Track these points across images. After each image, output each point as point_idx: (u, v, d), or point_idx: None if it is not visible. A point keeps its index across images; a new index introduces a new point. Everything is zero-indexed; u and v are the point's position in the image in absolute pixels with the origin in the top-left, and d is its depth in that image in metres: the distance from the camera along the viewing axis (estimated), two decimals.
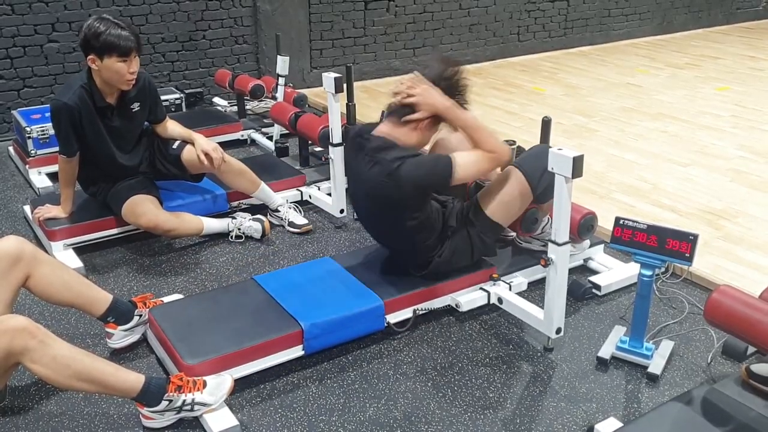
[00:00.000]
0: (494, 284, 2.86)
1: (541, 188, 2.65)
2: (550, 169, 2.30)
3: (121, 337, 2.61)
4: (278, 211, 3.65)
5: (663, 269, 3.07)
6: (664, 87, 6.12)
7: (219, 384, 2.27)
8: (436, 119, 2.64)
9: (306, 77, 6.11)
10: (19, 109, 4.69)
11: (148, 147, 3.47)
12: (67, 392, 2.40)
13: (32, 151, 4.23)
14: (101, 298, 2.56)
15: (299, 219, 3.63)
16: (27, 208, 3.69)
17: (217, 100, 5.67)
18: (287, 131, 4.51)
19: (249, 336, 2.46)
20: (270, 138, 4.73)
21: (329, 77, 3.43)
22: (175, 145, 3.46)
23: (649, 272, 2.40)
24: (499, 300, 2.80)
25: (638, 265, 2.42)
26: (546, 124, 2.92)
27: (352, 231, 3.60)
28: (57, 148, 3.24)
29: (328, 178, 3.78)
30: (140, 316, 2.64)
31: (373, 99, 5.83)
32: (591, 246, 3.13)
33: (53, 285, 2.45)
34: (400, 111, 2.62)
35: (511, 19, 7.13)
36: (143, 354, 2.64)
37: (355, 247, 3.35)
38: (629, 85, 6.22)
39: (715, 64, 6.92)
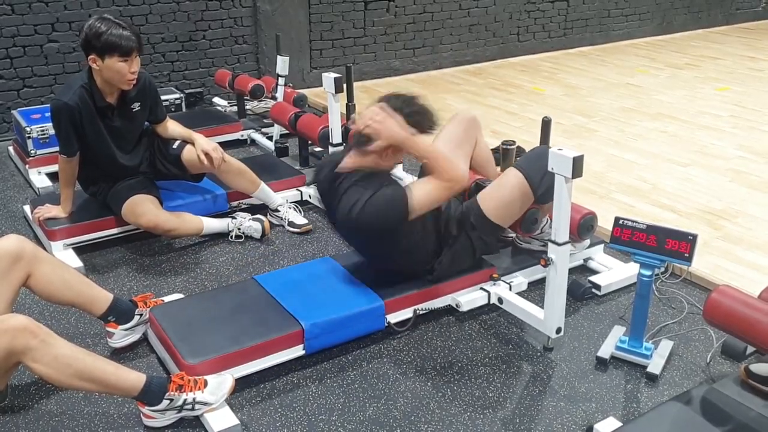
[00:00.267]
0: (494, 284, 2.87)
1: (542, 189, 2.66)
2: (550, 169, 2.30)
3: (121, 336, 2.61)
4: (278, 211, 3.65)
5: (662, 269, 3.07)
6: (664, 87, 6.13)
7: (220, 383, 2.27)
8: (398, 147, 2.60)
9: (306, 77, 6.11)
10: (19, 109, 4.69)
11: (149, 147, 3.48)
12: (67, 392, 2.41)
13: (32, 151, 4.23)
14: (102, 297, 2.56)
15: (299, 219, 3.64)
16: (27, 208, 3.69)
17: (217, 100, 5.67)
18: (287, 131, 4.51)
19: (249, 335, 2.46)
20: (270, 138, 4.73)
21: (329, 77, 3.44)
22: (176, 145, 3.46)
23: (648, 272, 2.40)
24: (499, 300, 2.81)
25: (638, 265, 2.43)
26: (546, 124, 2.93)
27: None
28: (57, 148, 3.24)
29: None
30: (141, 315, 2.64)
31: (373, 99, 5.82)
32: (591, 246, 3.13)
33: (54, 284, 2.45)
34: (361, 141, 2.59)
35: (511, 20, 7.13)
36: (144, 353, 2.64)
37: None
38: (629, 85, 6.23)
39: (715, 65, 6.93)
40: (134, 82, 3.13)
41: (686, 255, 2.31)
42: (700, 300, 2.89)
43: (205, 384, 2.25)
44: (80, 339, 2.70)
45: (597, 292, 2.96)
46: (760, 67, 6.83)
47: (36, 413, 2.33)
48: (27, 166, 4.25)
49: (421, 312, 2.76)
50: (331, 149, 3.54)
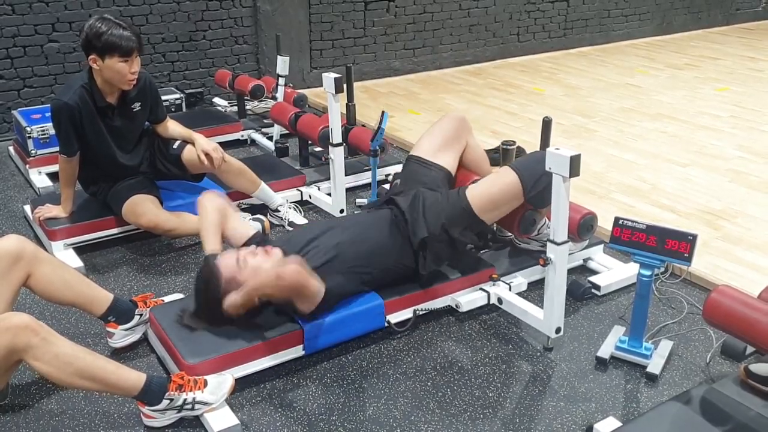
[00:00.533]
0: (494, 284, 2.87)
1: (534, 192, 2.64)
2: (547, 168, 2.30)
3: (121, 336, 2.62)
4: (278, 211, 3.65)
5: (662, 269, 3.08)
6: (664, 87, 6.13)
7: (220, 383, 2.27)
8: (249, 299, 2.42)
9: (306, 77, 6.12)
10: (19, 109, 4.69)
11: (149, 147, 3.48)
12: (67, 391, 2.41)
13: (32, 151, 4.24)
14: (102, 297, 2.56)
15: (299, 219, 3.64)
16: (27, 208, 3.69)
17: (217, 100, 5.68)
18: (287, 131, 4.51)
19: (249, 335, 2.46)
20: (270, 138, 4.74)
21: (329, 77, 3.44)
22: (176, 145, 3.46)
23: (648, 272, 2.41)
24: (499, 300, 2.81)
25: (637, 265, 2.43)
26: (546, 124, 2.93)
27: None
28: (57, 148, 3.24)
29: (328, 178, 3.78)
30: (141, 315, 2.64)
31: (372, 99, 5.84)
32: (590, 246, 3.13)
33: (54, 284, 2.45)
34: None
35: (511, 20, 7.14)
36: (144, 353, 2.64)
37: None
38: (629, 85, 6.23)
39: (715, 65, 6.93)
40: (135, 82, 3.13)
41: (686, 255, 2.31)
42: (700, 300, 2.89)
43: (205, 384, 2.26)
44: (80, 339, 2.70)
45: (597, 292, 2.96)
46: (760, 67, 6.83)
47: (36, 412, 2.33)
48: (27, 166, 4.25)
49: (420, 312, 2.76)
50: (331, 149, 3.55)
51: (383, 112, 3.60)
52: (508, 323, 2.81)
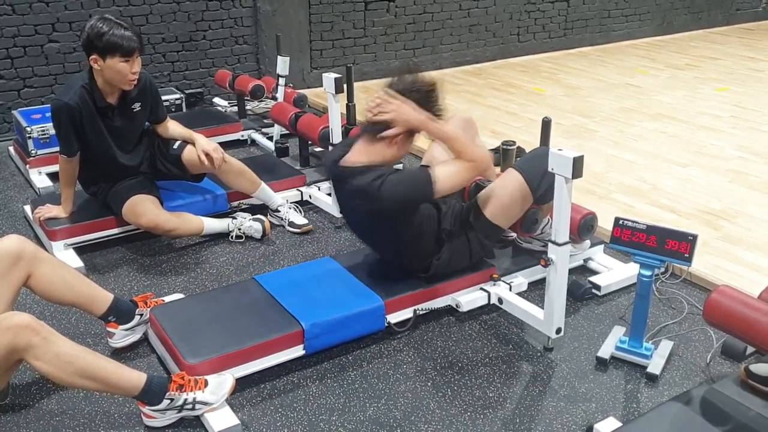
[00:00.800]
0: (494, 284, 2.87)
1: (542, 190, 2.66)
2: (550, 169, 2.31)
3: (122, 336, 2.62)
4: (278, 211, 3.65)
5: (662, 269, 3.08)
6: (664, 88, 6.13)
7: (220, 383, 2.27)
8: (411, 132, 2.61)
9: (306, 78, 6.11)
10: (19, 109, 4.69)
11: (149, 147, 3.48)
12: (68, 391, 2.41)
13: (33, 151, 4.24)
14: (102, 297, 2.56)
15: (299, 219, 3.64)
16: (27, 208, 3.69)
17: (217, 100, 5.67)
18: (287, 131, 4.52)
19: (250, 335, 2.46)
20: (270, 138, 4.74)
21: (329, 78, 3.44)
22: (176, 145, 3.46)
23: (648, 272, 2.41)
24: (500, 300, 2.81)
25: (638, 266, 2.43)
26: (546, 124, 2.93)
27: (352, 231, 3.61)
28: (57, 148, 3.24)
29: (328, 179, 3.78)
30: (141, 315, 2.64)
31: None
32: (591, 246, 3.13)
33: (54, 284, 2.45)
34: (373, 128, 2.58)
35: (511, 20, 7.14)
36: (144, 353, 2.65)
37: (355, 247, 3.36)
38: (629, 85, 6.23)
39: (715, 65, 6.93)
40: (135, 82, 3.13)
41: (686, 255, 2.31)
42: (700, 300, 2.89)
43: (206, 384, 2.26)
44: (81, 339, 2.70)
45: (597, 293, 2.96)
46: (760, 67, 6.83)
47: (37, 412, 2.33)
48: (27, 166, 4.25)
49: (421, 312, 2.76)
50: (331, 149, 3.55)
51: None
52: (508, 323, 2.81)
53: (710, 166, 4.31)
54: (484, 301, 2.85)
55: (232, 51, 5.76)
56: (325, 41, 6.16)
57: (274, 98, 4.85)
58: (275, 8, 5.79)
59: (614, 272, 3.06)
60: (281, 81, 4.81)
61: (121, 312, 2.59)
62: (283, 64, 4.73)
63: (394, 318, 2.70)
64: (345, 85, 3.64)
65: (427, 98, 2.59)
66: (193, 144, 3.44)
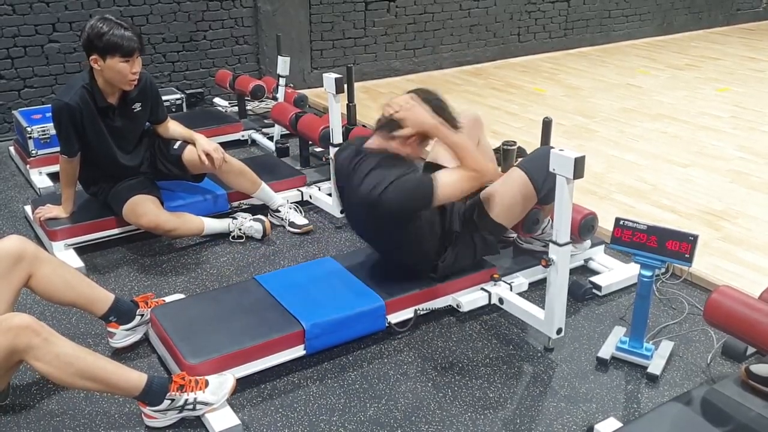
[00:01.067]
0: (495, 285, 2.87)
1: (546, 190, 2.66)
2: (551, 170, 2.31)
3: (122, 336, 2.62)
4: (279, 212, 3.65)
5: (663, 270, 3.08)
6: (665, 88, 6.13)
7: (221, 383, 2.27)
8: (424, 136, 2.65)
9: (306, 78, 6.12)
10: (19, 109, 4.69)
11: (149, 147, 3.48)
12: (68, 391, 2.41)
13: (33, 151, 4.24)
14: (103, 297, 2.56)
15: (300, 219, 3.64)
16: (28, 208, 3.69)
17: (217, 100, 5.68)
18: (288, 132, 4.52)
19: (250, 336, 2.47)
20: (270, 138, 4.74)
21: (330, 78, 3.44)
22: (176, 145, 3.46)
23: (649, 273, 2.41)
24: (500, 300, 2.81)
25: (638, 266, 2.43)
26: (547, 124, 2.93)
27: (352, 231, 3.60)
28: (58, 148, 3.24)
29: (329, 179, 3.78)
30: (142, 315, 2.64)
31: (373, 100, 5.84)
32: (591, 246, 3.13)
33: (55, 284, 2.45)
34: (388, 125, 2.63)
35: (512, 20, 7.14)
36: (145, 354, 2.65)
37: (356, 247, 3.36)
38: (629, 85, 6.23)
39: (715, 65, 6.93)
40: (135, 82, 3.13)
41: (687, 256, 2.31)
42: (701, 301, 2.89)
43: (206, 384, 2.26)
44: (81, 339, 2.70)
45: (597, 293, 2.96)
46: (761, 67, 6.83)
47: (37, 413, 2.33)
48: (28, 166, 4.25)
49: (421, 312, 2.76)
50: (331, 150, 3.54)
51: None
52: (509, 324, 2.81)
53: (711, 167, 4.31)
54: (485, 302, 2.85)
55: (232, 51, 5.76)
56: (325, 41, 6.16)
57: (275, 98, 4.85)
58: (276, 8, 5.79)
59: (615, 272, 3.06)
60: (281, 81, 4.81)
61: (121, 312, 2.59)
62: (283, 65, 4.73)
63: (394, 318, 2.70)
64: (345, 86, 3.64)
65: (443, 108, 2.66)
66: (194, 144, 3.44)
